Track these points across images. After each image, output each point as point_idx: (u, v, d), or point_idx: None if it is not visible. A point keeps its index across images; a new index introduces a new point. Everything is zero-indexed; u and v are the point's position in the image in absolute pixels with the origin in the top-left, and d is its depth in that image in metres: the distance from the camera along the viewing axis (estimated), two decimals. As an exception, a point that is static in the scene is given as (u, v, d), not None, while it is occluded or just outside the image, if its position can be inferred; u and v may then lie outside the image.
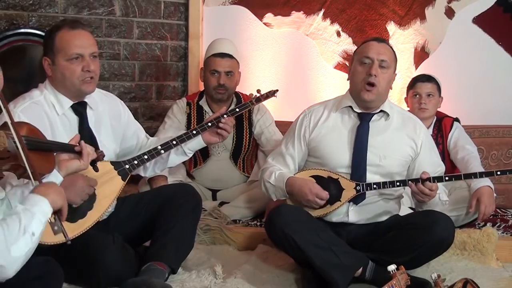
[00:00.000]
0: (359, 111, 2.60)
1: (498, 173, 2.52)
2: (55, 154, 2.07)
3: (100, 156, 2.27)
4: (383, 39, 2.79)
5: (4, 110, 1.79)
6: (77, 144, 2.11)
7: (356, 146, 2.56)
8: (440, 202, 2.59)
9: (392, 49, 2.65)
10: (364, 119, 2.59)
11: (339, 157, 2.57)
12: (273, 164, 2.72)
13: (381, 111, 2.61)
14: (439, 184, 2.53)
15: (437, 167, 2.63)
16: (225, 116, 2.64)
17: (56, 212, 1.83)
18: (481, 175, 2.57)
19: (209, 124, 2.62)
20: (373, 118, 2.60)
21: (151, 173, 2.73)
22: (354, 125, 2.61)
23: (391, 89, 2.66)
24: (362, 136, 2.56)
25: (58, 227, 1.82)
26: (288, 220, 2.41)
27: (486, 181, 3.02)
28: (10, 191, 1.99)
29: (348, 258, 2.41)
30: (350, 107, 2.62)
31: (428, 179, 2.43)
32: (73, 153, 2.11)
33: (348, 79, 2.67)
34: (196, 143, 2.66)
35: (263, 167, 2.77)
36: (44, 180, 1.96)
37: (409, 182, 2.46)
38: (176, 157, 2.67)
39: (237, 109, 2.71)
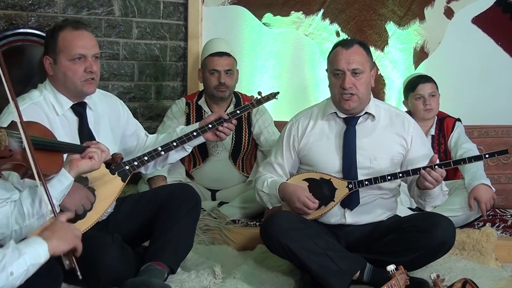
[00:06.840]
0: (344, 116, 2.61)
1: (487, 156, 2.53)
2: (65, 155, 2.06)
3: (118, 158, 2.29)
4: (351, 40, 2.71)
5: (14, 109, 1.82)
6: (88, 146, 2.11)
7: (345, 150, 2.56)
8: (442, 192, 2.59)
9: (364, 46, 2.59)
10: (350, 123, 2.59)
11: (330, 163, 2.58)
12: (264, 173, 2.72)
13: (366, 112, 2.61)
14: None
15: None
16: (228, 121, 2.62)
17: (68, 253, 1.75)
18: (470, 160, 2.56)
19: (210, 126, 2.61)
20: (359, 121, 2.60)
21: (152, 170, 2.72)
22: (341, 130, 2.61)
23: (373, 86, 2.63)
24: (350, 140, 2.57)
25: (68, 264, 1.75)
26: (283, 229, 2.40)
27: (480, 179, 3.02)
28: (22, 195, 1.98)
29: (345, 263, 2.41)
30: (335, 113, 2.62)
31: (418, 169, 2.43)
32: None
33: (328, 86, 2.64)
34: (195, 139, 2.64)
35: (255, 177, 2.77)
36: (53, 181, 1.95)
37: (422, 169, 2.41)
38: (176, 154, 2.66)
39: (238, 111, 2.71)
